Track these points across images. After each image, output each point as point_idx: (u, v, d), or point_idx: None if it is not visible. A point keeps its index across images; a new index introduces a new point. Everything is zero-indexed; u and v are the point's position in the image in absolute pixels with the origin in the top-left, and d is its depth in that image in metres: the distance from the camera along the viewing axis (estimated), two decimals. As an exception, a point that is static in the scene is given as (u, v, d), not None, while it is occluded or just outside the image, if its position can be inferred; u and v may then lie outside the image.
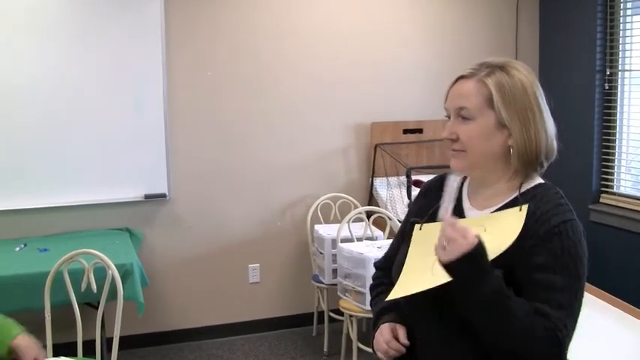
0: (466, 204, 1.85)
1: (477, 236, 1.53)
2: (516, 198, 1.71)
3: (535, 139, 1.68)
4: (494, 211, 1.74)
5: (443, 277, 1.59)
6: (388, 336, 1.83)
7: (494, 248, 1.60)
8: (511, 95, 1.68)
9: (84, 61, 4.40)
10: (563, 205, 1.68)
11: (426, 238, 1.81)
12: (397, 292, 1.80)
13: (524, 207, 1.65)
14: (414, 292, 1.71)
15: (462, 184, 1.90)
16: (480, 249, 1.53)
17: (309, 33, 5.13)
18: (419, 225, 1.87)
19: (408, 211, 2.06)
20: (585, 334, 2.85)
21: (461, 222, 1.64)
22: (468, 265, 1.53)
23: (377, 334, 1.87)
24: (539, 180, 1.77)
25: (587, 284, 3.33)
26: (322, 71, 5.18)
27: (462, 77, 1.76)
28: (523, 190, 1.73)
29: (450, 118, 1.78)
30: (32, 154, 4.31)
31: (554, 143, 1.74)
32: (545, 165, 1.76)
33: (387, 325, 1.86)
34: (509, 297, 1.56)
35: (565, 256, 1.60)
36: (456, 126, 1.74)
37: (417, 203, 2.01)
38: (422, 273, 1.72)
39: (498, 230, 1.65)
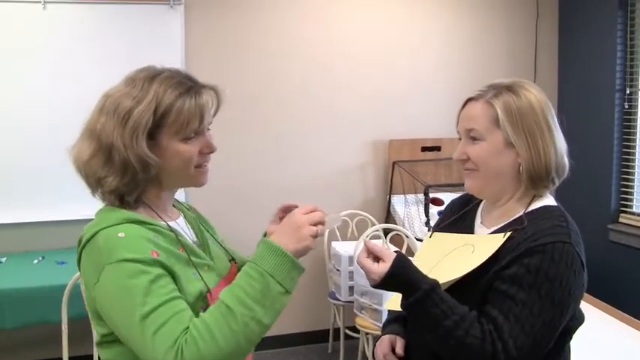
0: (477, 221, 1.89)
1: (383, 269, 1.63)
2: (520, 217, 1.73)
3: (544, 156, 1.70)
4: (498, 229, 1.77)
5: None
6: (386, 349, 1.89)
7: (466, 265, 1.66)
8: (518, 114, 1.70)
9: (103, 73, 4.41)
10: (560, 226, 1.67)
11: (432, 247, 1.93)
12: (390, 304, 1.90)
13: (508, 234, 1.67)
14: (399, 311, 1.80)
15: (480, 202, 1.94)
16: (388, 277, 1.62)
17: (328, 49, 5.15)
18: (430, 233, 1.98)
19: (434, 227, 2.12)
20: (604, 355, 2.83)
21: (456, 238, 1.80)
22: (385, 286, 1.64)
23: (377, 345, 1.93)
24: (549, 201, 1.78)
25: (606, 305, 3.32)
26: (341, 88, 5.20)
27: (470, 99, 1.80)
28: (530, 209, 1.75)
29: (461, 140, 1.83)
30: (51, 168, 4.34)
31: (565, 160, 1.76)
32: (557, 182, 1.77)
33: (387, 337, 1.91)
34: (432, 306, 1.58)
35: (539, 276, 1.58)
36: (466, 147, 1.78)
37: (441, 218, 2.08)
38: None
39: (480, 251, 1.70)
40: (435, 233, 1.95)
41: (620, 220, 4.94)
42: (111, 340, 1.59)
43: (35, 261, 4.17)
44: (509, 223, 1.75)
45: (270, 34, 5.02)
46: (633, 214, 4.90)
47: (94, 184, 1.62)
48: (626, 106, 4.92)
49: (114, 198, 1.61)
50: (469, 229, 1.87)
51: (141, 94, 1.59)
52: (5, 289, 3.66)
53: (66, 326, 3.24)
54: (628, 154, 4.95)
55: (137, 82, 1.62)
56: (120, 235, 1.51)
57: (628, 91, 4.90)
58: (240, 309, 1.47)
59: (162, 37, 4.67)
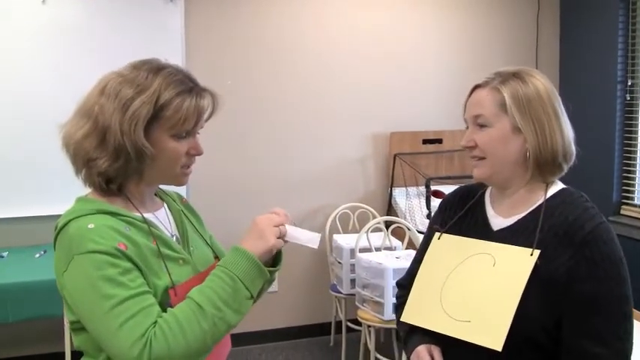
0: (490, 212, 1.86)
1: None
2: (541, 205, 1.73)
3: (550, 142, 1.70)
4: (519, 219, 1.76)
5: (453, 329, 1.68)
6: (427, 359, 1.81)
7: (507, 293, 1.63)
8: (525, 99, 1.71)
9: (102, 67, 4.41)
10: (589, 208, 1.70)
11: (442, 249, 1.87)
12: (407, 316, 1.84)
13: (536, 253, 1.65)
14: (422, 327, 1.78)
15: (484, 193, 1.92)
16: None
17: (328, 43, 5.14)
18: (439, 234, 1.91)
19: (429, 226, 2.06)
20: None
21: (468, 243, 1.77)
22: None
23: (413, 358, 1.85)
24: (562, 185, 1.79)
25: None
26: (342, 81, 5.19)
27: (477, 87, 1.81)
28: (548, 195, 1.75)
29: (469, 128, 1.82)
30: (51, 163, 4.33)
31: (572, 147, 1.76)
32: (565, 168, 1.77)
33: (423, 347, 1.84)
34: None
35: (605, 262, 1.61)
36: (474, 134, 1.78)
37: (439, 216, 2.02)
38: (432, 300, 1.77)
39: (507, 270, 1.67)
40: (444, 235, 1.90)
41: (622, 212, 4.94)
42: (79, 327, 1.60)
43: (37, 255, 4.17)
44: (533, 210, 1.75)
45: (270, 27, 5.01)
46: (635, 206, 4.90)
47: (81, 163, 1.62)
48: (628, 98, 4.91)
49: (100, 180, 1.61)
50: (483, 223, 1.84)
51: (144, 84, 1.59)
52: (7, 283, 3.66)
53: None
54: (629, 145, 4.94)
55: (141, 71, 1.62)
56: (90, 226, 1.52)
57: (629, 83, 4.90)
58: (210, 309, 1.51)
59: (162, 31, 4.66)
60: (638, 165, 4.90)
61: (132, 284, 1.49)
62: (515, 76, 1.74)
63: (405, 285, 2.03)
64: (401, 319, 1.86)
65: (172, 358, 1.46)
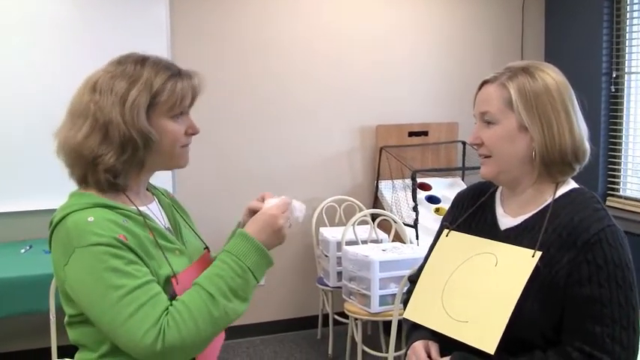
0: (499, 210, 1.84)
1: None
2: (549, 205, 1.71)
3: (558, 141, 1.67)
4: (526, 220, 1.74)
5: (450, 329, 1.68)
6: (423, 355, 1.80)
7: (506, 295, 1.61)
8: (532, 97, 1.67)
9: (87, 65, 4.38)
10: (599, 210, 1.66)
11: (449, 247, 1.86)
12: (409, 313, 1.85)
13: (537, 254, 1.62)
14: (424, 325, 1.78)
15: (495, 192, 1.90)
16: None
17: (315, 36, 5.13)
18: (447, 230, 1.90)
19: (441, 222, 2.04)
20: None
21: (474, 242, 1.75)
22: None
23: (410, 354, 1.85)
24: (574, 184, 1.76)
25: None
26: (328, 74, 5.17)
27: (485, 82, 1.77)
28: (558, 195, 1.72)
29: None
30: (37, 157, 4.28)
31: (585, 145, 1.72)
32: (577, 167, 1.73)
33: (420, 343, 1.83)
34: None
35: (609, 266, 1.58)
36: (481, 131, 1.75)
37: (450, 213, 2.01)
38: (434, 298, 1.77)
39: (508, 271, 1.65)
40: (452, 232, 1.88)
41: (608, 203, 4.96)
42: (78, 320, 1.62)
43: (22, 250, 4.14)
44: (540, 210, 1.72)
45: (255, 20, 4.98)
46: (620, 197, 4.93)
47: (85, 164, 1.61)
48: (613, 90, 4.92)
49: (108, 177, 1.61)
50: (491, 221, 1.83)
51: (135, 75, 1.62)
52: (-8, 278, 3.65)
53: (54, 315, 3.22)
54: (615, 137, 4.96)
55: (127, 64, 1.65)
56: (89, 219, 1.54)
57: (614, 75, 4.91)
58: (221, 299, 1.56)
59: (147, 24, 4.63)
60: (623, 157, 4.92)
61: (138, 274, 1.52)
62: (524, 70, 1.71)
63: (415, 280, 2.01)
64: (403, 316, 1.87)
65: (185, 346, 1.51)
